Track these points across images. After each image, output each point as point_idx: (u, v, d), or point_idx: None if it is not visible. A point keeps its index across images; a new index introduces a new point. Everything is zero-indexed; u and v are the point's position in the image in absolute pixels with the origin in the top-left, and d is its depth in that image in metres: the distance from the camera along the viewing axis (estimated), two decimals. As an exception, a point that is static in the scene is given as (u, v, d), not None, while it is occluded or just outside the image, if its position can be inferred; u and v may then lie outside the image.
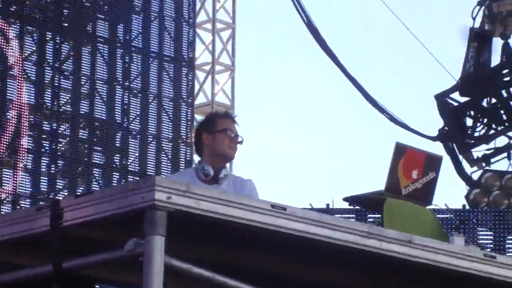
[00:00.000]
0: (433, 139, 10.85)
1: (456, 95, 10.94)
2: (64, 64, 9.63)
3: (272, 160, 20.10)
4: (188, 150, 10.26)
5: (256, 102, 18.48)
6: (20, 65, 9.28)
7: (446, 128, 10.81)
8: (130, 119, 9.95)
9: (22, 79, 9.28)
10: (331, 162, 20.52)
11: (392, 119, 10.80)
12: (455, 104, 10.91)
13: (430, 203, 4.63)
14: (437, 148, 10.49)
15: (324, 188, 19.01)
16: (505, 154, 11.02)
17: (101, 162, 9.66)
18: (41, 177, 9.26)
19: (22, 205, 9.07)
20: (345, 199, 4.50)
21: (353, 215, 9.29)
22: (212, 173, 4.32)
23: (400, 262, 3.28)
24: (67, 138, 9.55)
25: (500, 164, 11.14)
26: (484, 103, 10.98)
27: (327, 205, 9.32)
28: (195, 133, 4.50)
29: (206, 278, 2.96)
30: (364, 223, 3.32)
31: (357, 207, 8.71)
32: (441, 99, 10.80)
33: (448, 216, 9.35)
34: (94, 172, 9.61)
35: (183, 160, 10.13)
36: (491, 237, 9.93)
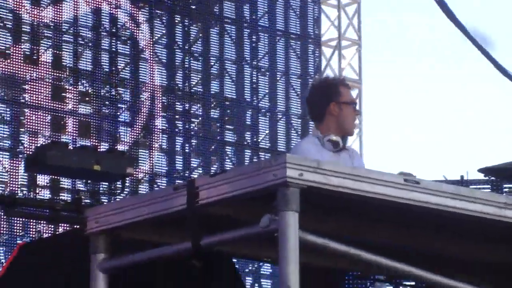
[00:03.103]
0: None
1: None
2: (194, 46, 9.80)
3: (404, 132, 19.88)
4: (317, 126, 10.27)
5: (383, 76, 18.31)
6: (151, 48, 9.50)
7: None
8: (259, 97, 10.05)
9: (153, 62, 9.50)
10: (464, 133, 20.13)
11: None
12: None
13: None
14: None
15: (458, 159, 18.68)
16: None
17: (232, 140, 9.81)
18: (176, 156, 9.49)
19: (158, 183, 9.32)
20: (480, 170, 4.42)
21: (489, 186, 9.10)
22: (341, 144, 4.19)
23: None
24: (199, 118, 9.74)
25: None
26: None
27: (461, 176, 9.17)
28: (318, 99, 4.26)
29: (341, 252, 2.97)
30: (501, 194, 3.26)
31: (492, 178, 8.53)
32: None
33: None
34: (226, 149, 9.78)
35: (313, 136, 10.16)
36: None
